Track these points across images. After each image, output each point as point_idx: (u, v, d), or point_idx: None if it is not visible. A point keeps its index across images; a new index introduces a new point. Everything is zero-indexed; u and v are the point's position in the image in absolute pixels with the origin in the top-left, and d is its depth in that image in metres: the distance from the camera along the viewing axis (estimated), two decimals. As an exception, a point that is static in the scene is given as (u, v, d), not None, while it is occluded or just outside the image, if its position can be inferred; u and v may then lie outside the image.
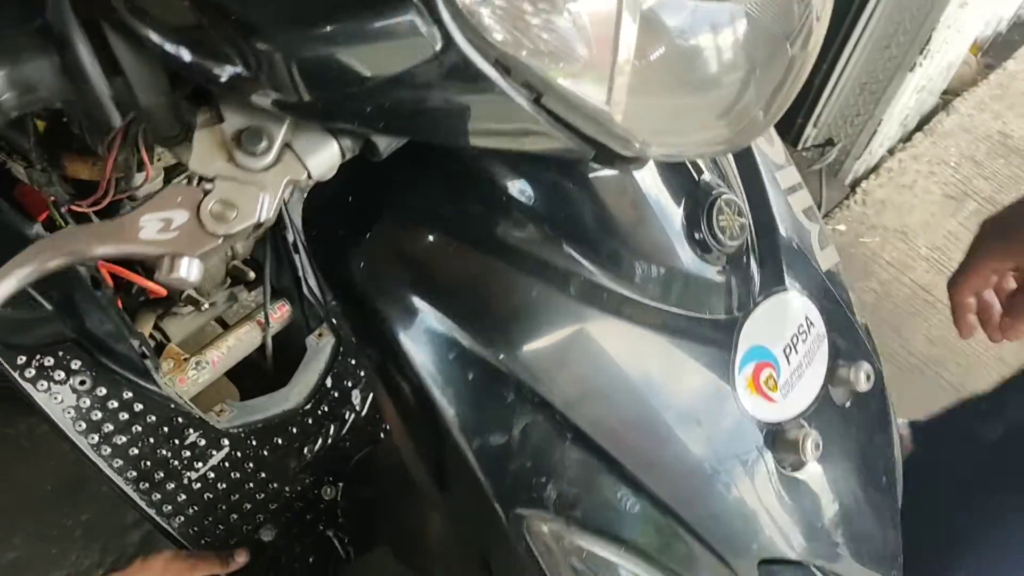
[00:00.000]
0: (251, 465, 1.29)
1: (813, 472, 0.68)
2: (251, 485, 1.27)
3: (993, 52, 3.34)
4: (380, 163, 0.56)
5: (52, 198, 1.11)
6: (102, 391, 1.23)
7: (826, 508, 0.69)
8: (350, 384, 1.39)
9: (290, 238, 1.37)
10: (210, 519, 1.24)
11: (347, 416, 1.37)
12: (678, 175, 0.63)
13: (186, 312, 1.36)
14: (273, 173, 0.47)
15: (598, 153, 0.48)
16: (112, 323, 1.19)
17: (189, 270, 0.45)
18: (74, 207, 1.10)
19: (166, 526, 1.22)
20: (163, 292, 1.22)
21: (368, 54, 0.41)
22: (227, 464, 1.28)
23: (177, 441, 1.26)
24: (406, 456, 0.70)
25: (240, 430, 1.30)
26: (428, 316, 0.58)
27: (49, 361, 1.21)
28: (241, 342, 1.39)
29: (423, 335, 0.58)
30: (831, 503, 0.69)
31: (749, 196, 0.69)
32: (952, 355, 2.27)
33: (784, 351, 0.67)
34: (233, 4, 0.40)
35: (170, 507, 1.22)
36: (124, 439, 1.23)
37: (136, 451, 1.23)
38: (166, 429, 1.26)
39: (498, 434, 0.60)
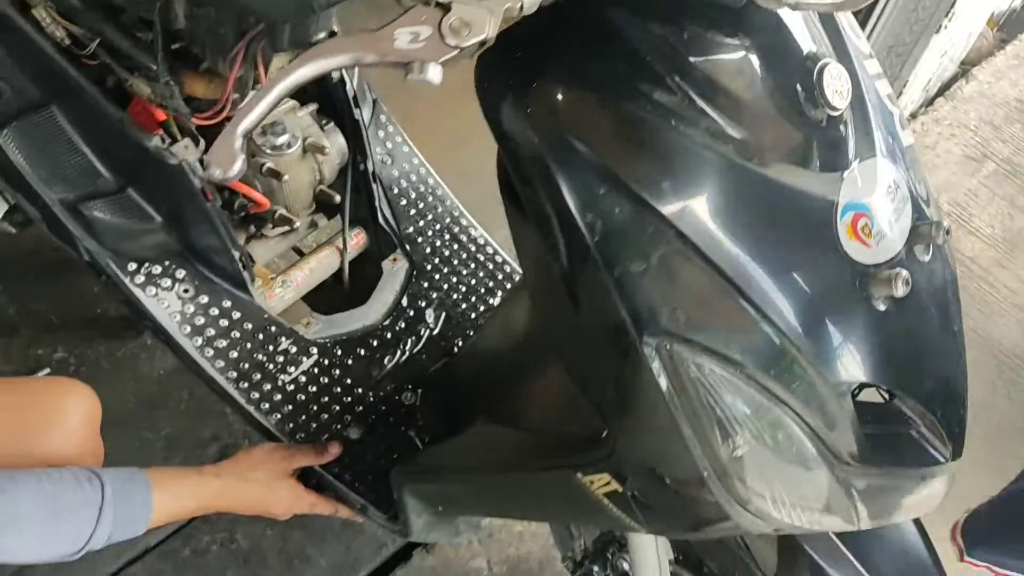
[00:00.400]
0: (337, 372, 1.38)
1: (901, 309, 0.77)
2: (338, 389, 1.37)
3: (1008, 27, 3.43)
4: (542, 27, 0.66)
5: (172, 111, 1.21)
6: (204, 299, 1.33)
7: (910, 343, 0.79)
8: (423, 304, 1.48)
9: (369, 168, 1.46)
10: (303, 417, 1.33)
11: (422, 332, 1.46)
12: (791, 46, 0.72)
13: (273, 235, 1.46)
14: (496, 1, 0.57)
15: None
16: (216, 236, 1.29)
17: (434, 73, 0.54)
18: (195, 119, 1.20)
19: (264, 422, 1.31)
20: (266, 204, 1.32)
21: None
22: (316, 370, 1.37)
23: (271, 347, 1.36)
24: (539, 289, 0.79)
25: (326, 340, 1.40)
26: (584, 156, 0.67)
27: (156, 269, 1.31)
28: (321, 265, 1.49)
29: (578, 173, 0.67)
30: (915, 339, 0.79)
31: (851, 77, 0.78)
32: (973, 302, 2.36)
33: (877, 205, 0.76)
34: None
35: (267, 405, 1.32)
36: (224, 343, 1.32)
37: (235, 354, 1.33)
38: (261, 336, 1.36)
39: (637, 262, 0.70)
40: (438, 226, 1.55)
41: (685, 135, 0.69)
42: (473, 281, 1.52)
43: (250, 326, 1.36)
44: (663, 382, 0.74)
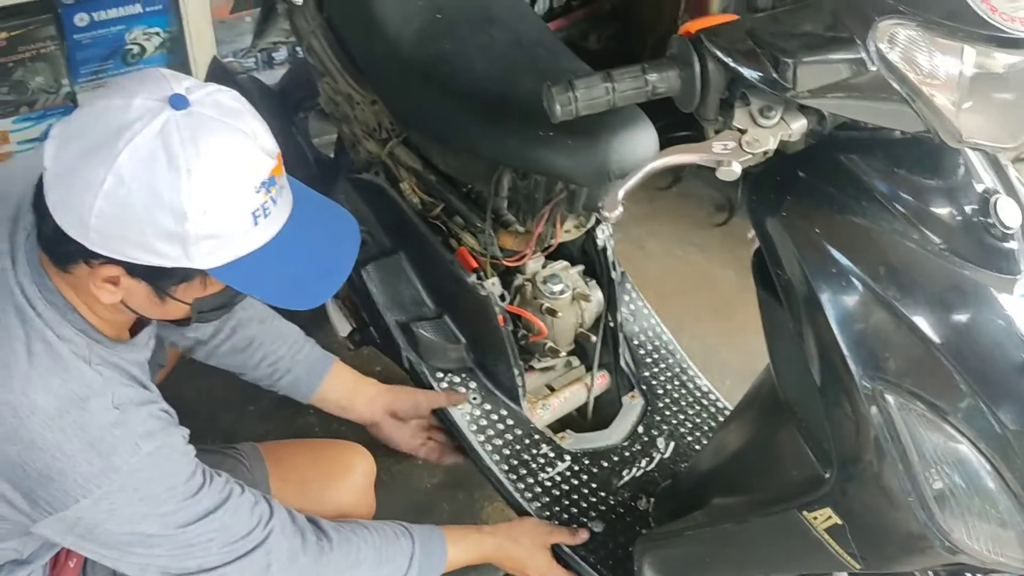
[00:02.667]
0: (585, 477, 1.68)
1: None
2: (586, 490, 1.66)
3: None
4: (795, 159, 1.03)
5: (489, 258, 1.63)
6: (488, 406, 1.71)
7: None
8: (656, 433, 1.78)
9: (618, 320, 1.83)
10: (557, 508, 1.62)
11: (655, 455, 1.74)
12: (972, 183, 1.04)
13: (539, 367, 1.82)
14: (775, 129, 0.93)
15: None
16: (504, 355, 1.68)
17: (736, 168, 0.90)
18: (505, 262, 1.63)
19: (527, 508, 1.61)
20: (545, 332, 1.69)
21: (833, 68, 0.88)
22: (568, 473, 1.68)
23: (535, 451, 1.69)
24: (782, 356, 1.10)
25: (577, 451, 1.72)
26: (821, 249, 1.00)
27: (457, 379, 1.71)
28: (572, 396, 1.83)
29: (818, 260, 1.00)
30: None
31: (1021, 211, 1.07)
32: None
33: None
34: (774, 39, 0.88)
35: (530, 494, 1.63)
36: (500, 441, 1.67)
37: (508, 451, 1.67)
38: (527, 441, 1.70)
39: (858, 322, 1.00)
40: (669, 373, 1.87)
41: (904, 242, 1.01)
42: (698, 419, 1.81)
43: (520, 432, 1.70)
44: (876, 419, 1.02)
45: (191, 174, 0.94)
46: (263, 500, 1.23)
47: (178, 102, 0.96)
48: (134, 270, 1.01)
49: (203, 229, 0.97)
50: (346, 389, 1.65)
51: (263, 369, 1.56)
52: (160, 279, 1.04)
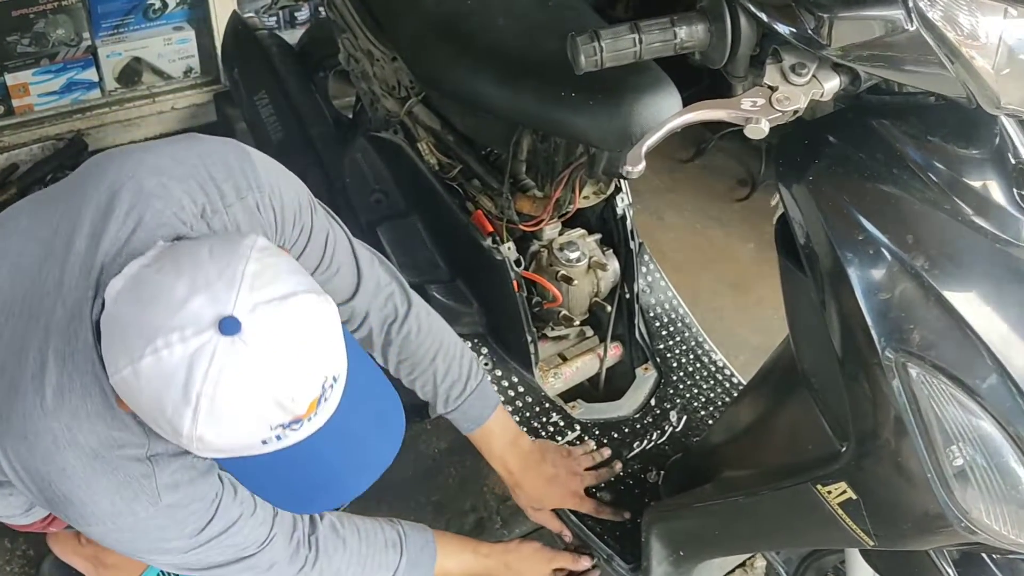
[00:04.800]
0: (592, 443, 1.66)
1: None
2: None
3: None
4: (824, 122, 0.99)
5: (505, 221, 1.61)
6: (499, 372, 1.68)
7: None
8: (668, 406, 1.75)
9: (634, 291, 1.80)
10: (565, 476, 1.60)
11: (666, 428, 1.72)
12: (1007, 154, 1.00)
13: (552, 335, 1.80)
14: (807, 87, 0.90)
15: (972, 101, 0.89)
16: (517, 321, 1.66)
17: (765, 126, 0.87)
18: (523, 227, 1.60)
19: (535, 476, 1.60)
20: (560, 299, 1.67)
21: (870, 25, 0.85)
22: (577, 442, 1.66)
23: (545, 419, 1.67)
24: (802, 325, 1.07)
25: (587, 421, 1.70)
26: (848, 215, 0.96)
27: (469, 344, 1.68)
28: (585, 366, 1.81)
29: (844, 226, 0.96)
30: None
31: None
32: None
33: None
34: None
35: (539, 461, 1.61)
36: (510, 408, 1.65)
37: (518, 419, 1.65)
38: (537, 409, 1.68)
39: (884, 292, 0.97)
40: (684, 347, 1.84)
41: (935, 210, 0.97)
42: (712, 394, 1.78)
43: (531, 399, 1.69)
44: (897, 391, 0.99)
45: (198, 409, 0.88)
46: (269, 518, 1.20)
47: (228, 327, 0.88)
48: None
49: (200, 449, 0.93)
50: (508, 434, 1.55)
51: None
52: None
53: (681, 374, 1.81)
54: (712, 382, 1.81)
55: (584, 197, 1.62)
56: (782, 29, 0.88)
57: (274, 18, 2.64)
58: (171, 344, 0.88)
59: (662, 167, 2.74)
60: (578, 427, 1.68)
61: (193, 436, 0.90)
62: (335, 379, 0.95)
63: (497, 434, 1.53)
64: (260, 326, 0.89)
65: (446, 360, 1.43)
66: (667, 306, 1.89)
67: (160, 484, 1.06)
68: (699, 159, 2.73)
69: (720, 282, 2.42)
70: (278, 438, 0.92)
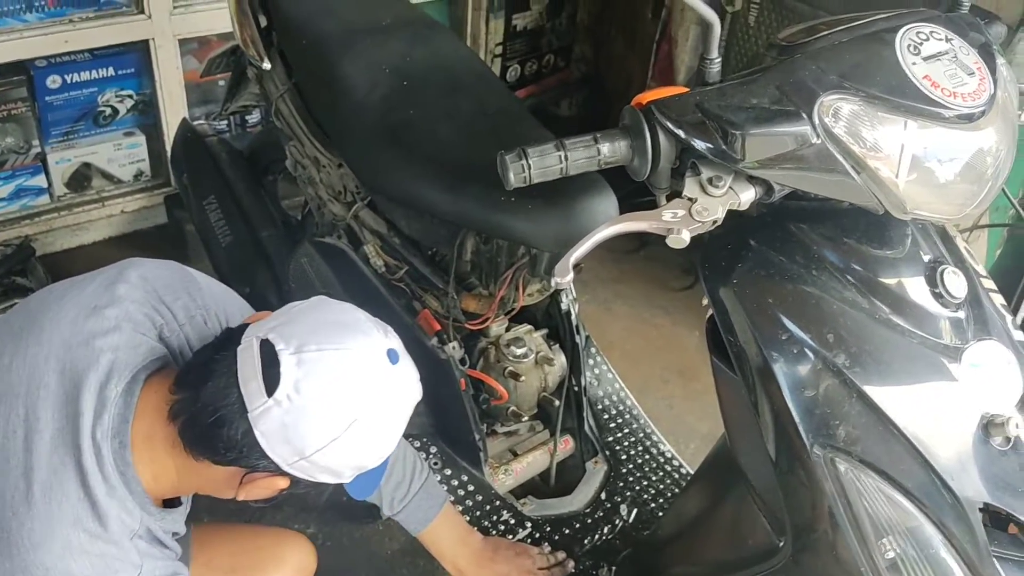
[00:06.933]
0: (546, 545, 1.66)
1: (1013, 450, 1.02)
2: (547, 558, 1.64)
3: None
4: (745, 227, 1.04)
5: (451, 320, 1.63)
6: (448, 471, 1.69)
7: (1022, 476, 1.02)
8: (619, 500, 1.76)
9: (582, 384, 1.82)
10: (517, 576, 1.60)
11: (617, 522, 1.73)
12: (920, 254, 1.06)
13: (501, 432, 1.81)
14: (724, 198, 0.94)
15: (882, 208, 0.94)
16: (465, 419, 1.67)
17: (686, 236, 0.91)
18: (468, 325, 1.62)
19: None
20: (506, 396, 1.69)
21: (779, 140, 0.91)
22: (529, 541, 1.66)
23: (495, 517, 1.67)
24: (736, 421, 1.10)
25: (539, 518, 1.70)
26: (771, 316, 1.00)
27: (416, 444, 1.68)
28: (536, 461, 1.82)
29: (768, 327, 1.00)
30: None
31: (967, 281, 1.09)
32: None
33: (992, 375, 1.04)
34: (722, 111, 0.90)
35: (490, 562, 1.60)
36: (460, 508, 1.65)
37: (468, 518, 1.64)
38: (487, 507, 1.68)
39: (809, 389, 1.00)
40: (633, 439, 1.86)
41: (851, 309, 1.02)
42: (661, 485, 1.80)
43: (481, 497, 1.68)
44: (828, 487, 1.02)
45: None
46: None
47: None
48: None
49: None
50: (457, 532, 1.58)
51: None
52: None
53: (631, 466, 1.82)
54: (661, 473, 1.82)
55: (528, 295, 1.65)
56: (698, 145, 0.94)
57: (225, 122, 2.68)
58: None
59: (609, 258, 2.80)
60: (529, 524, 1.68)
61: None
62: None
63: (446, 534, 1.53)
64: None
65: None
66: (615, 398, 1.92)
67: None
68: (644, 249, 2.80)
69: (668, 370, 2.45)
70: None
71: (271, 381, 0.97)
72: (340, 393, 0.99)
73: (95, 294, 1.11)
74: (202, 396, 1.00)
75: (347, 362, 1.00)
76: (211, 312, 1.16)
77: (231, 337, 1.04)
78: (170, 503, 1.15)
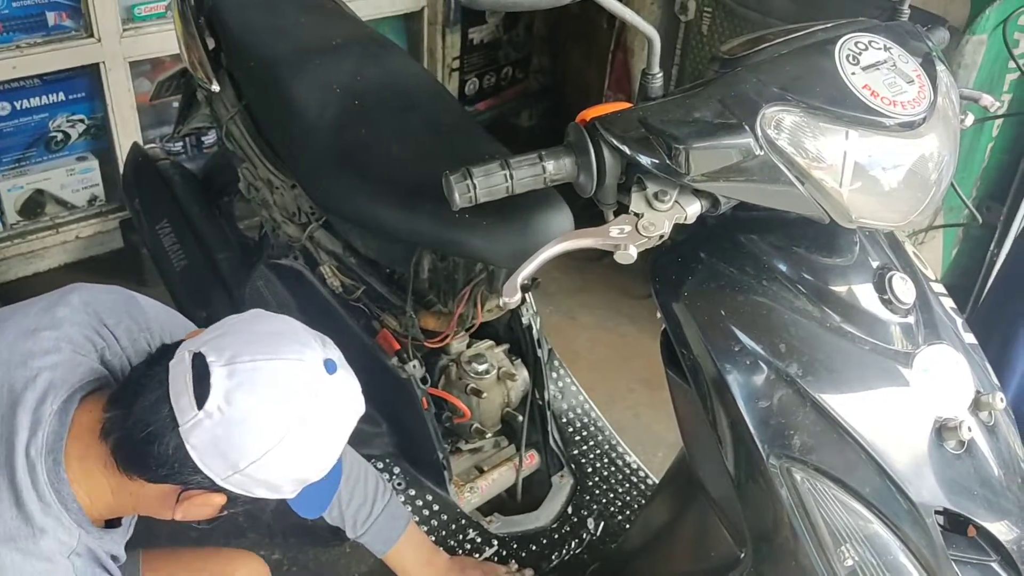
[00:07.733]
0: (513, 562, 1.65)
1: (971, 454, 1.03)
2: (515, 576, 1.63)
3: None
4: (695, 239, 1.04)
5: (411, 339, 1.62)
6: (412, 492, 1.67)
7: (980, 482, 1.02)
8: (586, 513, 1.76)
9: (546, 397, 1.82)
10: (485, 596, 1.58)
11: (584, 536, 1.72)
12: (868, 260, 1.06)
13: (465, 449, 1.80)
14: (670, 212, 0.94)
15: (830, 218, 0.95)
16: (428, 438, 1.65)
17: (633, 251, 0.90)
18: (427, 343, 1.61)
19: (454, 596, 1.57)
20: (468, 414, 1.67)
21: (723, 153, 0.91)
22: (496, 559, 1.65)
23: (461, 536, 1.65)
24: (693, 434, 1.09)
25: (505, 535, 1.69)
26: (723, 327, 1.00)
27: (379, 465, 1.67)
28: (502, 477, 1.81)
29: (721, 339, 1.00)
30: (984, 479, 1.03)
31: (916, 287, 1.10)
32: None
33: (943, 378, 1.05)
34: (665, 126, 0.90)
35: (457, 582, 1.59)
36: (425, 528, 1.63)
37: (433, 538, 1.63)
38: (453, 526, 1.66)
39: (763, 400, 1.00)
40: (598, 451, 1.86)
41: (803, 318, 1.02)
42: (627, 497, 1.79)
43: (446, 517, 1.67)
44: (785, 496, 1.02)
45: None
46: None
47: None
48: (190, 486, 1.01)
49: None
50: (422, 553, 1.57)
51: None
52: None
53: (597, 479, 1.82)
54: (628, 485, 1.82)
55: (487, 311, 1.64)
56: (643, 160, 0.93)
57: (180, 144, 2.65)
58: None
59: (573, 267, 2.80)
60: (496, 542, 1.67)
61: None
62: None
63: (411, 554, 1.52)
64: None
65: (349, 484, 1.41)
66: (579, 410, 1.91)
67: None
68: (607, 258, 2.79)
69: (634, 379, 2.45)
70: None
71: (202, 394, 0.95)
72: (273, 403, 0.97)
73: (36, 317, 1.10)
74: (134, 412, 0.98)
75: (281, 372, 0.98)
76: (155, 335, 1.15)
77: (166, 353, 1.02)
78: (112, 524, 1.13)
